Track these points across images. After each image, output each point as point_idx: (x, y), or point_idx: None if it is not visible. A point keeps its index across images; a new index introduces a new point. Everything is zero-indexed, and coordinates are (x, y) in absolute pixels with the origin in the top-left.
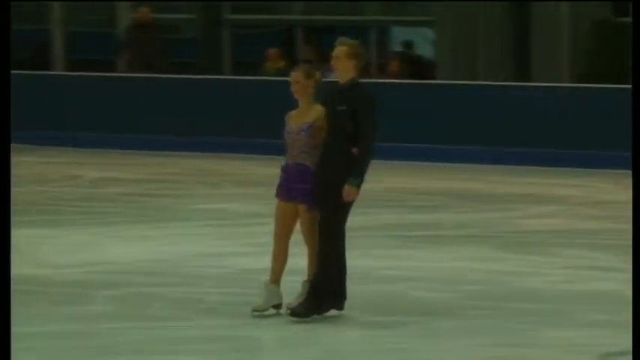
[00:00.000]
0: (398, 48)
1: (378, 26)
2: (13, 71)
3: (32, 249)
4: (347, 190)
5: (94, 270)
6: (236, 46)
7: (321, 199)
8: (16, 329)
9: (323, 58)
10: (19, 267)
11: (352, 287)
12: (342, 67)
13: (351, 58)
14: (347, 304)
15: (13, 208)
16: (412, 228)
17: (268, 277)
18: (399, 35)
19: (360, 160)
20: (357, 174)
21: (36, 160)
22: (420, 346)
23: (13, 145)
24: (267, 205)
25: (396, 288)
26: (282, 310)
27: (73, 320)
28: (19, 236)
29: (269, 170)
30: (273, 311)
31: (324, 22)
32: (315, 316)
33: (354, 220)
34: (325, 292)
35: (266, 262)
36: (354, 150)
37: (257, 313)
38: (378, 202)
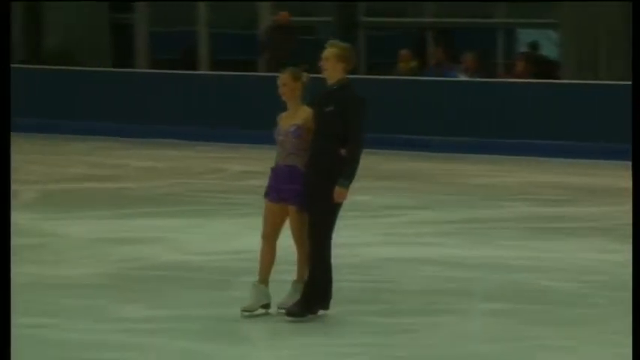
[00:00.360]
0: (524, 49)
1: (505, 28)
2: (163, 71)
3: (180, 237)
4: (337, 191)
5: (235, 258)
6: (370, 47)
7: (310, 201)
8: (162, 312)
9: (452, 59)
10: (168, 254)
11: (481, 275)
12: (331, 69)
13: (340, 61)
14: (477, 289)
15: (163, 199)
16: (540, 220)
17: (257, 278)
18: (525, 37)
19: (350, 161)
20: (346, 175)
21: (189, 154)
22: (541, 333)
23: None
24: (400, 198)
25: (522, 277)
26: (272, 310)
27: (213, 305)
28: (168, 226)
29: (400, 165)
30: (262, 311)
31: (454, 24)
32: (310, 315)
33: (485, 212)
34: (318, 292)
35: (403, 251)
36: (343, 151)
37: (247, 314)
38: (508, 196)
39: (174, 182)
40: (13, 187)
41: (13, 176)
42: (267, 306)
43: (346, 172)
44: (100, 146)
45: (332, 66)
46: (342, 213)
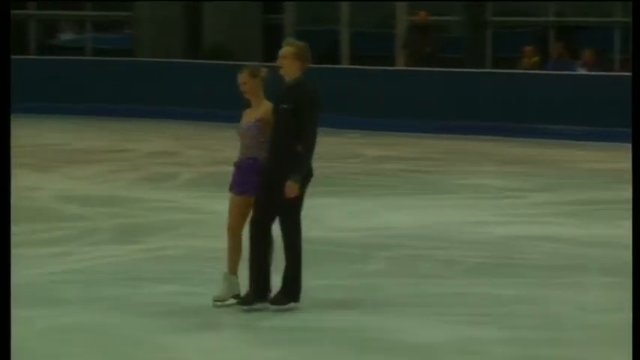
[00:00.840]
0: None
1: (622, 27)
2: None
3: (323, 215)
4: (288, 185)
5: (373, 234)
6: (497, 44)
7: (269, 194)
8: (308, 282)
9: (572, 55)
10: (312, 230)
11: (597, 252)
12: (288, 67)
13: (296, 59)
14: (593, 264)
15: (317, 180)
16: None
17: (227, 270)
18: None
19: (302, 157)
20: (298, 171)
21: (331, 140)
22: None
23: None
24: (523, 182)
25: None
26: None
27: (353, 276)
28: (312, 204)
29: (523, 150)
30: (233, 301)
31: (574, 22)
32: (292, 304)
33: (598, 194)
34: (297, 282)
35: (524, 229)
36: (299, 147)
37: (219, 303)
38: (619, 180)
39: (318, 165)
40: (174, 169)
41: (174, 159)
42: (237, 296)
43: (297, 168)
44: None
45: (289, 64)
46: (468, 194)
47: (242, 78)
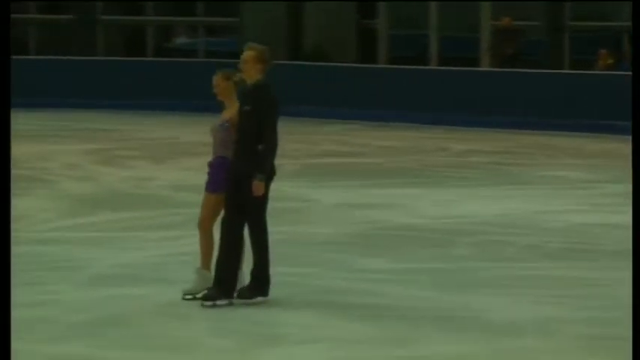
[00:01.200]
0: None
1: None
2: (400, 66)
3: (411, 204)
4: (255, 185)
5: (457, 221)
6: (574, 46)
7: (237, 192)
8: (398, 265)
9: None
10: (401, 217)
11: None
12: (249, 70)
13: (257, 63)
14: None
15: (398, 172)
16: None
17: (200, 264)
18: None
19: (264, 158)
20: (261, 170)
21: (419, 135)
22: None
23: (406, 125)
24: (599, 174)
25: None
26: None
27: (439, 260)
28: (402, 194)
29: (601, 146)
30: (205, 292)
31: None
32: (260, 298)
33: None
34: (265, 277)
35: (598, 218)
36: (260, 147)
37: (189, 297)
38: None
39: (408, 158)
40: (277, 161)
41: (277, 152)
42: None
43: (261, 167)
44: (348, 128)
45: (250, 67)
46: (547, 185)
47: (216, 81)
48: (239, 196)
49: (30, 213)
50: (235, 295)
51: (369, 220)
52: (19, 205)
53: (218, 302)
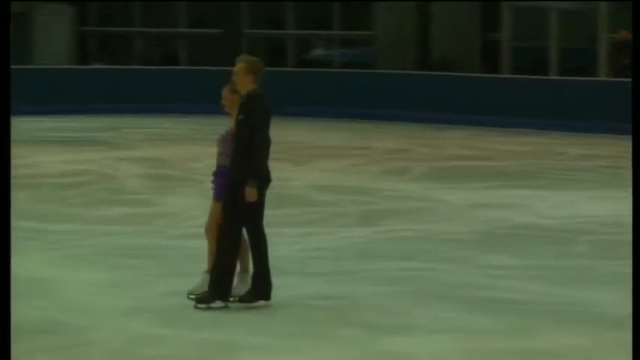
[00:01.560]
0: None
1: None
2: (522, 76)
3: (531, 204)
4: (247, 192)
5: (575, 221)
6: None
7: (233, 201)
8: (519, 262)
9: None
10: (522, 217)
11: None
12: (241, 81)
13: (248, 74)
14: None
15: (519, 175)
16: None
17: (206, 268)
18: None
19: (256, 164)
20: (253, 177)
21: (538, 140)
22: None
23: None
24: None
25: None
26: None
27: (559, 257)
28: (522, 195)
29: None
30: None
31: None
32: (262, 302)
33: None
34: (265, 281)
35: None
36: (252, 154)
37: (193, 296)
38: None
39: (528, 162)
40: (408, 163)
41: (407, 156)
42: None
43: (253, 174)
44: (472, 133)
45: (242, 79)
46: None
47: (223, 93)
48: (235, 202)
49: (177, 210)
50: (237, 299)
51: (493, 219)
52: (168, 202)
53: (212, 305)
